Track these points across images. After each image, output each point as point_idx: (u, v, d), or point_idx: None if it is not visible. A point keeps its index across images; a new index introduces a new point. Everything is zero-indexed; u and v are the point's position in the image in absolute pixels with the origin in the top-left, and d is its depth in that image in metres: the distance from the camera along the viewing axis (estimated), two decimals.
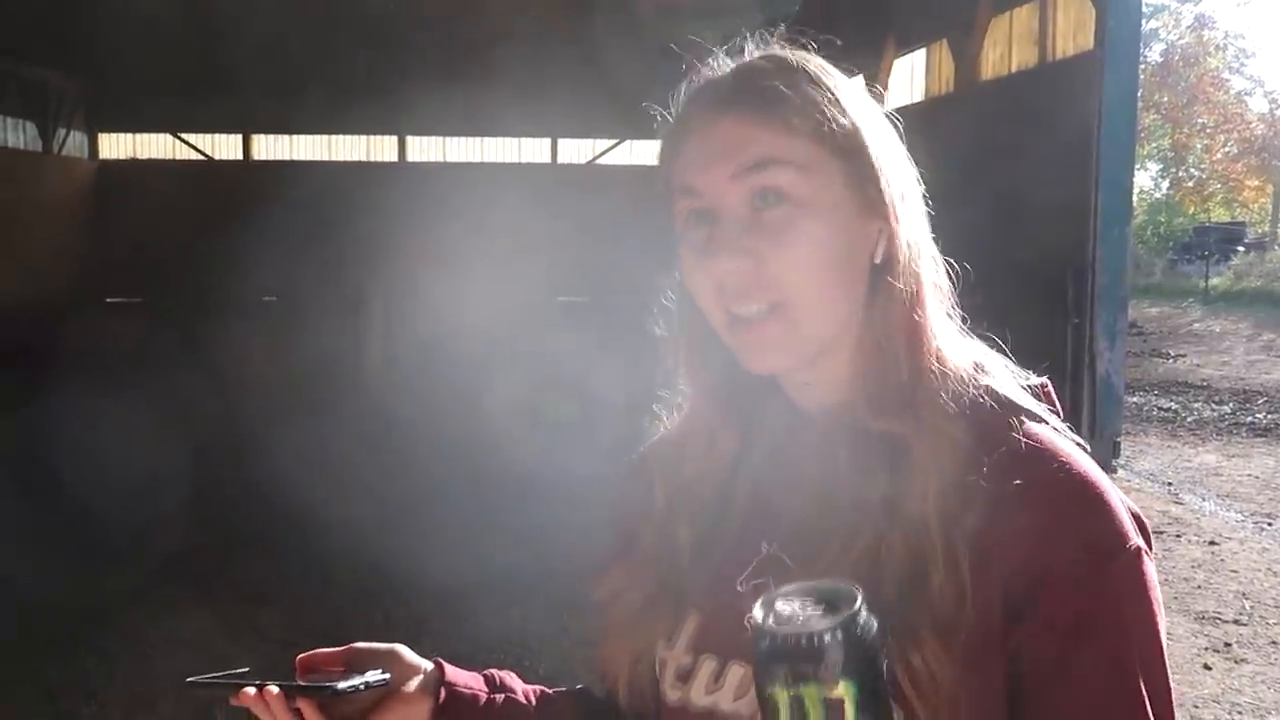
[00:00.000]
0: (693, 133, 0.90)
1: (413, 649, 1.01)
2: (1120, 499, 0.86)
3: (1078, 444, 0.89)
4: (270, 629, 4.82)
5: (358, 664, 0.96)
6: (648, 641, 0.97)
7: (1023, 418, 0.89)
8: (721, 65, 0.93)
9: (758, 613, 0.69)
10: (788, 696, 0.65)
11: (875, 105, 0.93)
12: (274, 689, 0.90)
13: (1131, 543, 0.84)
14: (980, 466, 0.84)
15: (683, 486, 0.98)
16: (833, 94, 0.89)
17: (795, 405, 0.95)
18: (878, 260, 0.89)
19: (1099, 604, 0.82)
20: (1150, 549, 0.86)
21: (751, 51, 0.93)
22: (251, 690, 0.90)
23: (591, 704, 1.07)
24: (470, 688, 0.99)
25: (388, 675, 0.94)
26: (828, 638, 0.65)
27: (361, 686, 0.91)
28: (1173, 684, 0.85)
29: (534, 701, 1.03)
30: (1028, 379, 0.94)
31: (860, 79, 0.93)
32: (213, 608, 5.14)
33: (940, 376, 0.88)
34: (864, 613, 0.67)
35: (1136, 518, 0.87)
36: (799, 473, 0.92)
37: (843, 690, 0.65)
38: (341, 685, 0.90)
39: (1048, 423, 0.90)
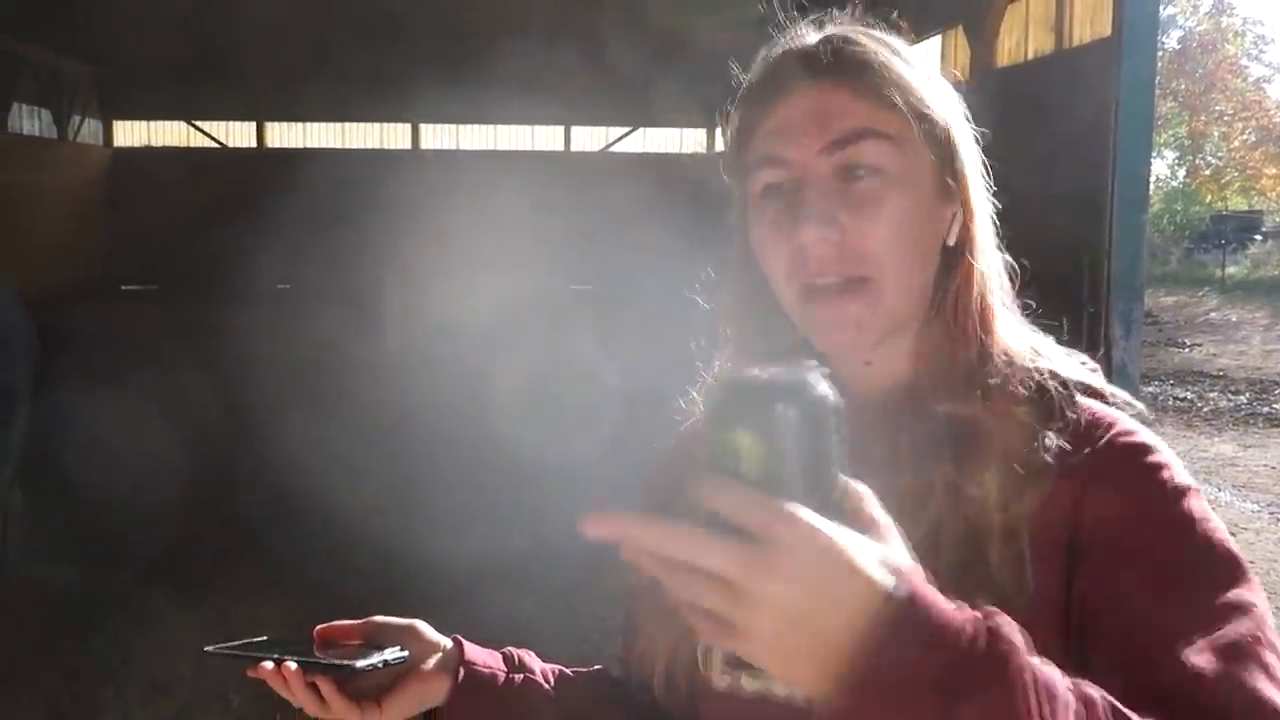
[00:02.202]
0: (780, 102, 0.88)
1: None
2: (1176, 459, 0.86)
3: (1139, 416, 0.90)
4: (282, 616, 4.85)
5: (376, 638, 0.96)
6: (683, 631, 0.95)
7: (1086, 395, 0.89)
8: (805, 34, 0.91)
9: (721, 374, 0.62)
10: (745, 440, 0.59)
11: (953, 90, 0.93)
12: (293, 665, 0.89)
13: (1185, 483, 0.84)
14: (1044, 443, 0.84)
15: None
16: (922, 71, 0.89)
17: (843, 389, 0.95)
18: (950, 242, 0.89)
19: (1156, 507, 0.81)
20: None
21: (838, 23, 0.91)
22: (270, 665, 0.89)
23: (610, 684, 1.07)
24: (489, 666, 0.99)
25: (406, 653, 0.93)
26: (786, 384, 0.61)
27: (380, 664, 0.90)
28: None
29: (552, 681, 1.02)
30: (1083, 361, 0.94)
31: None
32: (224, 594, 5.17)
33: (1004, 359, 0.89)
34: (822, 381, 0.62)
35: None
36: (851, 456, 0.92)
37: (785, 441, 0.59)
38: (360, 664, 0.89)
39: (1109, 398, 0.90)
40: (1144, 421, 0.89)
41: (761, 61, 0.92)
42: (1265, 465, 8.82)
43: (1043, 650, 0.80)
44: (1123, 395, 0.90)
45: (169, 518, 5.95)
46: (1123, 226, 9.01)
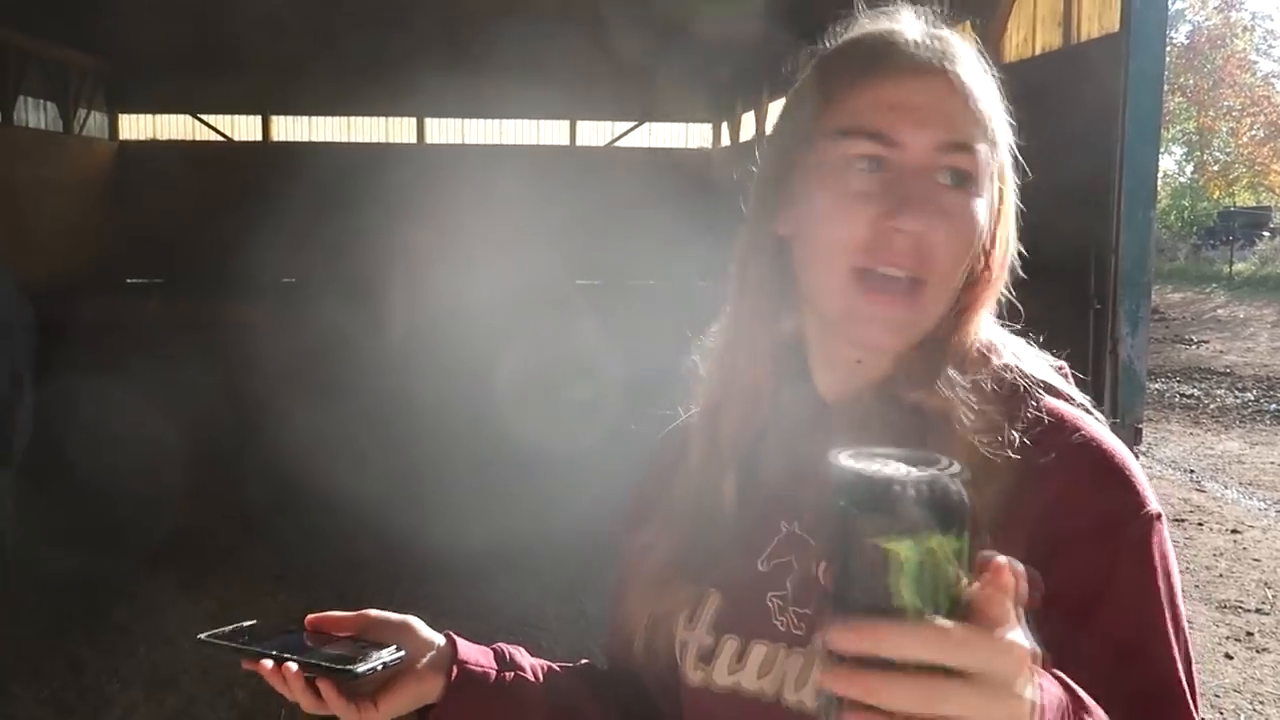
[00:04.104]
0: (893, 80, 0.86)
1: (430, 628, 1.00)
2: (1140, 471, 0.87)
3: (1099, 420, 0.90)
4: (287, 608, 4.86)
5: (370, 632, 0.96)
6: (668, 606, 0.97)
7: (1048, 395, 0.89)
8: (907, 20, 0.90)
9: (846, 458, 0.59)
10: (914, 549, 0.56)
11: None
12: (293, 667, 0.89)
13: (1148, 509, 0.84)
14: (1006, 440, 0.84)
15: (725, 438, 0.96)
16: (1000, 93, 0.91)
17: (817, 393, 0.95)
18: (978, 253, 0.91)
19: (1112, 572, 0.82)
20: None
21: (927, 18, 0.91)
22: (269, 663, 0.89)
23: (597, 678, 1.08)
24: (481, 665, 0.99)
25: (403, 652, 0.93)
26: (950, 485, 0.57)
27: (379, 667, 0.91)
28: (1191, 654, 0.85)
29: (541, 677, 1.03)
30: (1051, 363, 0.94)
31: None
32: (229, 586, 5.18)
33: (977, 355, 0.90)
34: (959, 478, 0.58)
35: None
36: (821, 454, 0.92)
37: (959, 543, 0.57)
38: (361, 669, 0.89)
39: (1073, 400, 0.90)
40: (1102, 424, 0.90)
41: (863, 32, 0.90)
42: (1272, 462, 8.80)
43: None
44: (1084, 398, 0.91)
45: (174, 508, 5.96)
46: (1130, 222, 8.97)
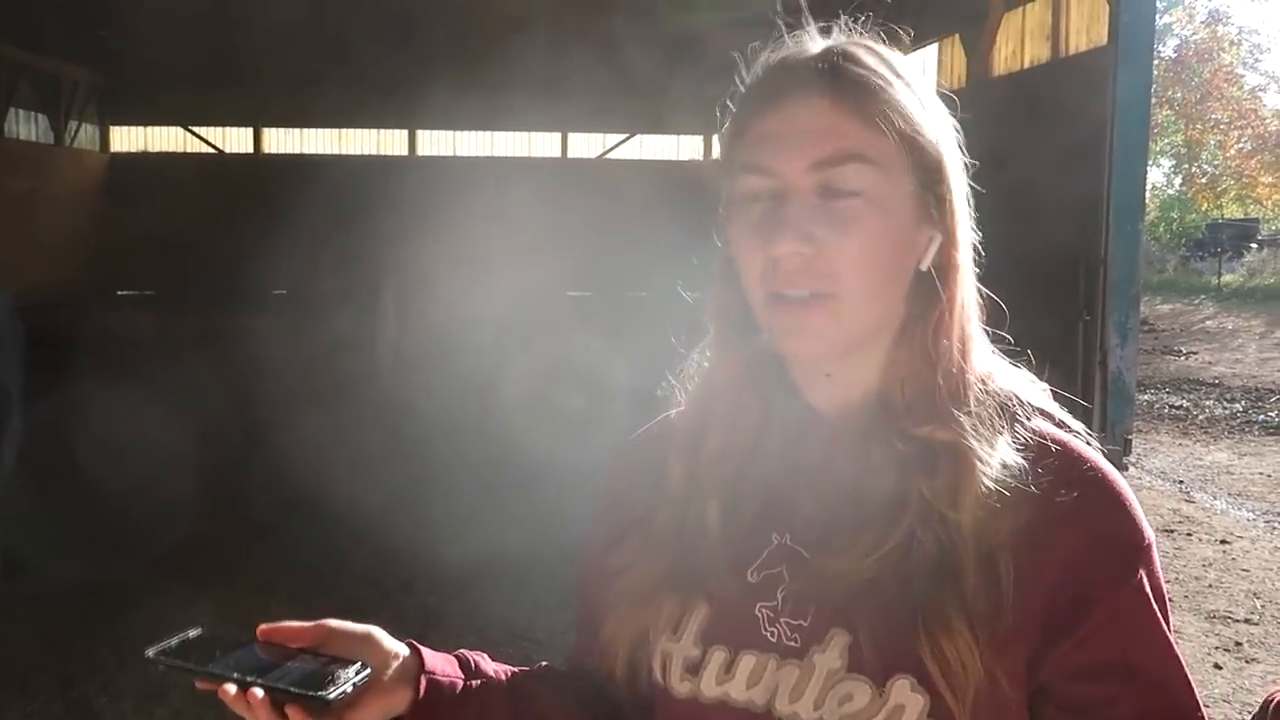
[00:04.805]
0: (774, 111, 0.89)
1: (421, 641, 0.98)
2: (1134, 496, 0.90)
3: (1093, 444, 0.92)
4: (281, 619, 4.84)
5: (329, 645, 0.93)
6: (651, 624, 0.96)
7: (1047, 421, 0.91)
8: (809, 43, 0.91)
9: None
10: None
11: (947, 110, 0.93)
12: (259, 693, 0.86)
13: (1148, 539, 0.89)
14: (1016, 473, 0.86)
15: (708, 461, 0.96)
16: (919, 96, 0.90)
17: (808, 404, 0.95)
18: (923, 267, 0.90)
19: (1134, 614, 0.87)
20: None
21: (841, 35, 0.92)
22: (232, 689, 0.87)
23: (558, 680, 1.06)
24: (448, 675, 0.97)
25: (369, 670, 0.90)
26: None
27: (350, 690, 0.88)
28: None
29: (505, 683, 1.01)
30: (1032, 382, 0.95)
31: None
32: (224, 598, 5.16)
33: (981, 386, 0.90)
34: None
35: None
36: (817, 468, 0.92)
37: None
38: (333, 695, 0.86)
39: (1069, 427, 0.92)
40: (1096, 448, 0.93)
41: (762, 65, 0.93)
42: (1261, 473, 8.83)
43: (1011, 675, 0.82)
44: (1077, 424, 0.93)
45: (168, 521, 5.94)
46: (1119, 234, 9.01)
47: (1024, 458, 0.87)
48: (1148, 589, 0.87)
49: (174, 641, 0.91)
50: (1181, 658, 0.89)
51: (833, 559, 0.87)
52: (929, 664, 0.81)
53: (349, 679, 0.88)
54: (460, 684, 0.97)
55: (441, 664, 0.97)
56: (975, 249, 0.94)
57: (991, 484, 0.85)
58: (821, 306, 0.87)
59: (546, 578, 5.32)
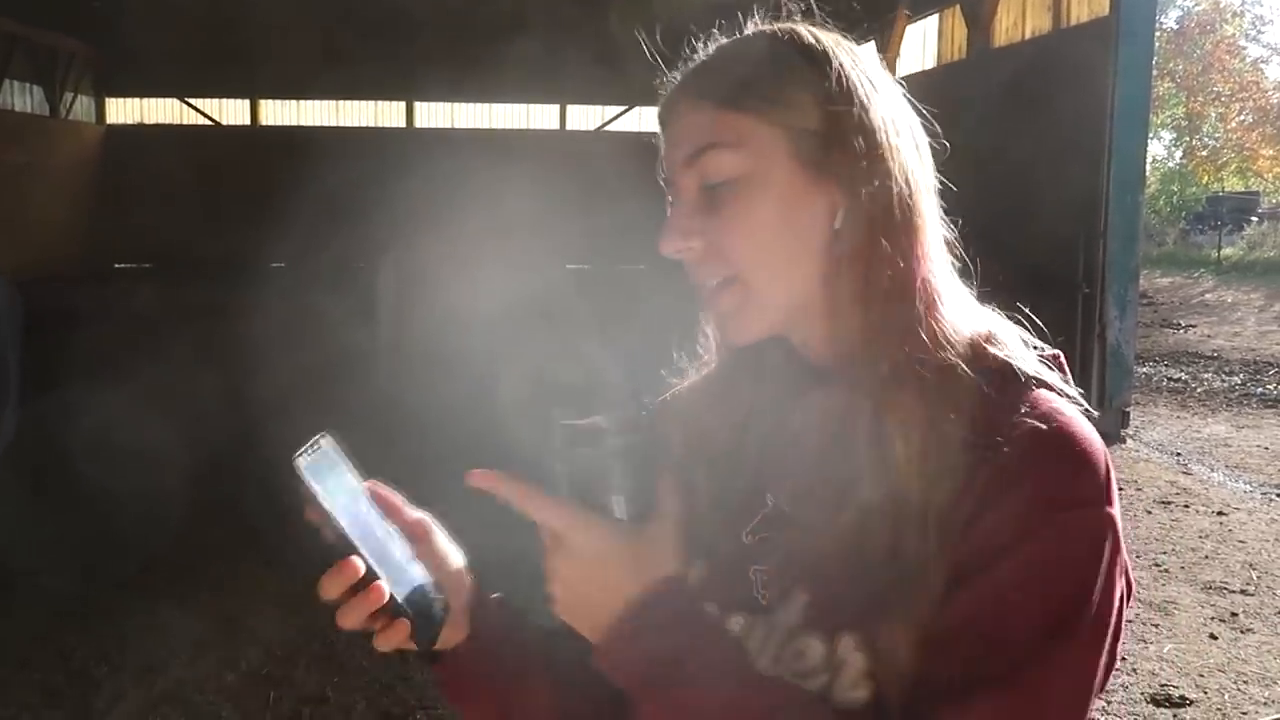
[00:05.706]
0: (662, 122, 0.95)
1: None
2: (1108, 466, 0.83)
3: (1085, 412, 0.87)
4: (284, 599, 4.87)
5: (420, 545, 0.94)
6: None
7: (1030, 385, 0.87)
8: (713, 42, 0.95)
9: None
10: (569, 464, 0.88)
11: (872, 68, 0.91)
12: (386, 591, 0.86)
13: (1098, 504, 0.80)
14: (973, 430, 0.83)
15: (701, 432, 0.99)
16: (803, 63, 0.88)
17: (803, 360, 0.95)
18: (837, 225, 0.87)
19: (1017, 545, 0.79)
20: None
21: (747, 28, 0.94)
22: (361, 567, 0.86)
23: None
24: (498, 628, 1.00)
25: (448, 611, 0.92)
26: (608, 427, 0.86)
27: (433, 634, 0.91)
28: (1116, 661, 0.83)
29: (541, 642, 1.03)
30: (1041, 350, 0.91)
31: (870, 45, 0.93)
32: (220, 585, 5.18)
33: (936, 339, 0.86)
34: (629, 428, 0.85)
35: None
36: (803, 428, 0.93)
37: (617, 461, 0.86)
38: (435, 632, 0.90)
39: (1058, 390, 0.87)
40: (1090, 417, 0.86)
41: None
42: (1258, 446, 8.85)
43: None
44: (1075, 392, 0.88)
45: (163, 505, 5.94)
46: (1118, 207, 9.00)
47: (986, 415, 0.83)
48: (1079, 554, 0.79)
49: (310, 451, 0.88)
50: (1064, 653, 0.78)
51: (807, 523, 0.88)
52: (863, 654, 0.82)
53: (439, 616, 0.91)
54: (504, 632, 1.00)
55: (494, 609, 1.00)
56: (939, 202, 0.91)
57: (943, 442, 0.82)
58: (729, 291, 0.90)
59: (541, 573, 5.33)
